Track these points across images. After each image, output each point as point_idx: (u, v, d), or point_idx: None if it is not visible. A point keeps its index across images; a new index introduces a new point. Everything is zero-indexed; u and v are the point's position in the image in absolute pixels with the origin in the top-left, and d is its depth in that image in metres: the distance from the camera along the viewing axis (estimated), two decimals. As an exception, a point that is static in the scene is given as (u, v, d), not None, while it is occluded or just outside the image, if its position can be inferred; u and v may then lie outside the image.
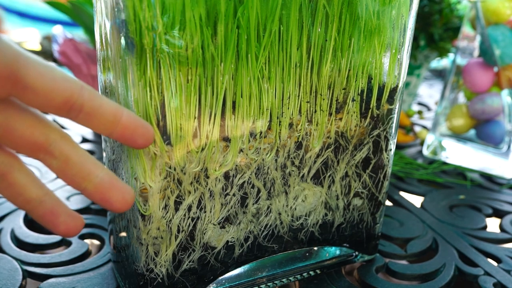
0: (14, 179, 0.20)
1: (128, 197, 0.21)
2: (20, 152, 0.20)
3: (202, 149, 0.24)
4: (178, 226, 0.25)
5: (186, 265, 0.27)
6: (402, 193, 0.48)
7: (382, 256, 0.35)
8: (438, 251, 0.36)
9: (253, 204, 0.28)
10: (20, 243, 0.34)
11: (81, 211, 0.39)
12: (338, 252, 0.33)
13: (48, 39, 1.20)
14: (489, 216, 0.44)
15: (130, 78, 0.22)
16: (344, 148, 0.29)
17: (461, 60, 0.55)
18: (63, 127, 0.65)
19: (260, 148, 0.26)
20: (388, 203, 0.45)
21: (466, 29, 0.54)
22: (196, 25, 0.22)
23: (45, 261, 0.32)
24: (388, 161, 0.31)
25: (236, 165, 0.26)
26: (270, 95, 0.25)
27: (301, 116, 0.27)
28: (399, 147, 0.63)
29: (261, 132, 0.26)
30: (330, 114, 0.28)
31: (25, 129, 0.19)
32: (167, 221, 0.25)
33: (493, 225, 0.42)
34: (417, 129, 0.72)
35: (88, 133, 0.62)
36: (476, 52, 0.54)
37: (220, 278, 0.28)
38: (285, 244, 0.30)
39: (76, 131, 0.63)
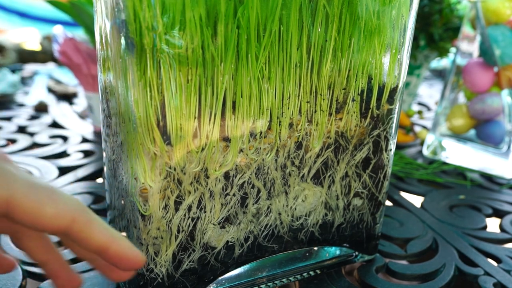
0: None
1: None
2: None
3: (202, 149, 0.24)
4: (178, 226, 0.25)
5: (186, 265, 0.27)
6: (402, 193, 0.48)
7: (382, 256, 0.35)
8: (438, 251, 0.36)
9: (253, 204, 0.28)
10: (20, 243, 0.34)
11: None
12: (338, 252, 0.33)
13: (48, 39, 1.20)
14: (489, 216, 0.44)
15: (130, 78, 0.22)
16: (344, 148, 0.29)
17: (461, 60, 0.55)
18: (62, 127, 0.65)
19: (260, 148, 0.26)
20: (388, 203, 0.45)
21: (466, 29, 0.54)
22: (196, 25, 0.22)
23: (45, 261, 0.31)
24: (388, 161, 0.31)
25: (236, 165, 0.26)
26: (270, 95, 0.25)
27: (301, 116, 0.27)
28: (399, 147, 0.63)
29: (261, 132, 0.26)
30: (330, 114, 0.28)
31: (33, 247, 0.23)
32: (167, 221, 0.25)
33: (493, 225, 0.42)
34: (417, 129, 0.72)
35: (88, 133, 0.62)
36: (476, 53, 0.54)
37: (220, 278, 0.28)
38: (285, 244, 0.30)
39: (76, 131, 0.63)
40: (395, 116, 0.30)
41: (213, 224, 0.27)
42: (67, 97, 0.84)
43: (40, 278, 0.30)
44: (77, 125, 0.66)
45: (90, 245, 0.21)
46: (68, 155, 0.54)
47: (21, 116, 0.70)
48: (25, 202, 0.19)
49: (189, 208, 0.25)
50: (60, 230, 0.20)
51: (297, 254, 0.31)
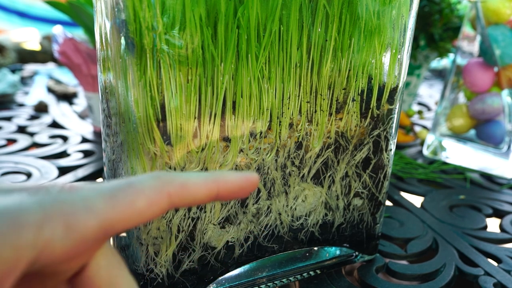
0: None
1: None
2: None
3: (202, 149, 0.24)
4: (178, 226, 0.25)
5: (186, 265, 0.27)
6: (402, 193, 0.48)
7: (382, 256, 0.35)
8: (438, 251, 0.36)
9: (253, 204, 0.28)
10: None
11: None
12: (338, 252, 0.33)
13: (48, 39, 1.20)
14: (489, 216, 0.44)
15: (130, 78, 0.22)
16: (344, 148, 0.29)
17: (461, 60, 0.55)
18: (62, 127, 0.65)
19: (260, 148, 0.26)
20: (388, 203, 0.45)
21: (466, 29, 0.54)
22: (196, 25, 0.21)
23: (45, 261, 0.31)
24: (388, 161, 0.31)
25: (236, 165, 0.26)
26: (270, 95, 0.25)
27: (301, 116, 0.27)
28: (399, 147, 0.63)
29: (261, 132, 0.26)
30: (330, 114, 0.28)
31: None
32: (167, 221, 0.25)
33: (493, 225, 0.42)
34: (417, 129, 0.72)
35: (88, 133, 0.62)
36: (476, 53, 0.54)
37: (220, 278, 0.28)
38: (285, 244, 0.30)
39: (76, 131, 0.63)
40: (395, 116, 0.30)
41: (213, 224, 0.27)
42: (67, 97, 0.84)
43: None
44: (77, 125, 0.66)
45: (200, 201, 0.19)
46: (68, 155, 0.54)
47: (21, 116, 0.70)
48: (116, 217, 0.17)
49: (189, 208, 0.25)
50: (163, 212, 0.18)
51: (297, 254, 0.31)
